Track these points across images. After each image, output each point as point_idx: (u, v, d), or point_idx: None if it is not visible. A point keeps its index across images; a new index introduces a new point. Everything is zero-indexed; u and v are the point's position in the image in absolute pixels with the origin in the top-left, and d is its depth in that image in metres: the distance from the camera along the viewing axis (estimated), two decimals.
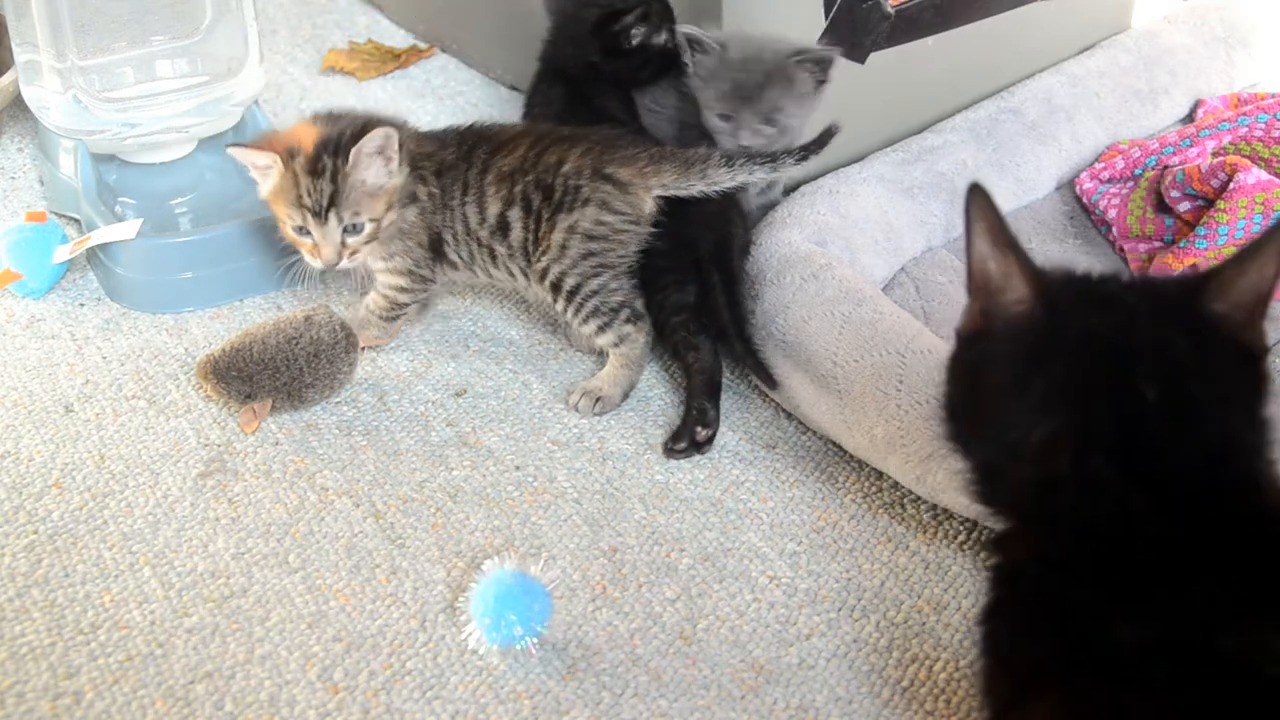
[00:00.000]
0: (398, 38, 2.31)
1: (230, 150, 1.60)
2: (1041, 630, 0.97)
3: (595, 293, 1.61)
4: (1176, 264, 1.73)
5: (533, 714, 1.32)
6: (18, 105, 1.97)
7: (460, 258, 1.67)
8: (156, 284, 1.77)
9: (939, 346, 1.53)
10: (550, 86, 1.82)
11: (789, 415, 1.63)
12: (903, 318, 1.58)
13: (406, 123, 1.67)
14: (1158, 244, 1.82)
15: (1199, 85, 2.06)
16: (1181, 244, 1.76)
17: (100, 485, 1.54)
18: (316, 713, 1.32)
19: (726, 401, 1.63)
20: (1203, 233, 1.73)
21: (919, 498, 1.51)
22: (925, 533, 1.50)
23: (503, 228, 1.63)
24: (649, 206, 1.62)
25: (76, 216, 1.87)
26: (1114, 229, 1.86)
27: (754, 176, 1.62)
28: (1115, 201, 1.87)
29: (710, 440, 1.59)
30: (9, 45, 1.90)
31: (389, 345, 1.73)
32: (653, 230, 1.62)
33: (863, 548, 1.49)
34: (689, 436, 1.58)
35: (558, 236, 1.61)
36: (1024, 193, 1.91)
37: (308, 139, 1.57)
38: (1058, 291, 0.99)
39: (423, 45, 2.29)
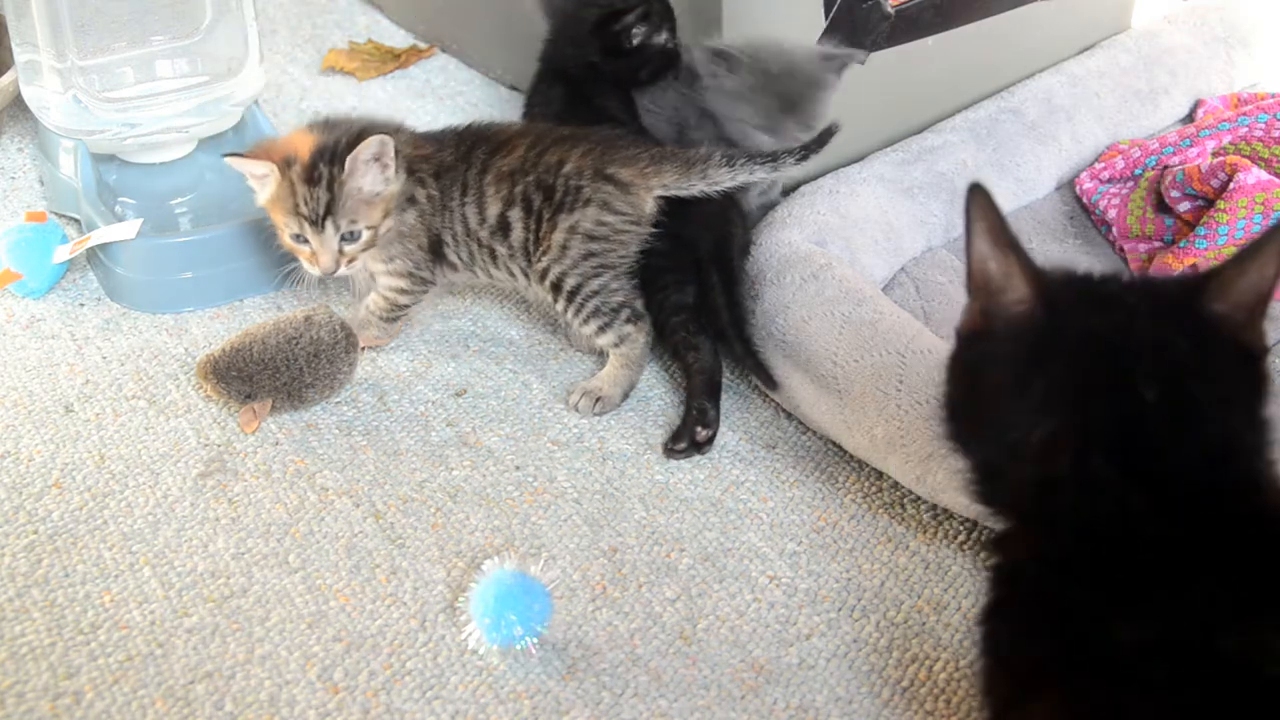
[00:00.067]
0: (398, 38, 2.31)
1: (227, 160, 1.60)
2: (1041, 630, 0.97)
3: (596, 293, 1.61)
4: (1176, 264, 1.74)
5: (533, 714, 1.32)
6: (18, 105, 1.97)
7: (460, 259, 1.67)
8: (156, 284, 1.77)
9: (939, 346, 1.53)
10: (550, 86, 1.82)
11: (789, 415, 1.63)
12: (903, 318, 1.58)
13: (403, 125, 1.67)
14: (1158, 244, 1.82)
15: (1199, 85, 2.06)
16: (1181, 244, 1.76)
17: (100, 485, 1.54)
18: (316, 713, 1.32)
19: (726, 401, 1.63)
20: (1203, 233, 1.73)
21: (919, 498, 1.51)
22: (925, 533, 1.50)
23: (503, 228, 1.63)
24: (650, 207, 1.62)
25: (76, 216, 1.87)
26: (1114, 229, 1.86)
27: (755, 176, 1.62)
28: (1115, 201, 1.87)
29: (710, 440, 1.59)
30: (9, 45, 1.90)
31: (389, 345, 1.73)
32: (652, 230, 1.62)
33: (863, 548, 1.49)
34: (689, 437, 1.58)
35: (558, 237, 1.61)
36: (1024, 193, 1.91)
37: (304, 147, 1.57)
38: (1058, 291, 0.99)
39: (423, 45, 2.29)
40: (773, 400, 1.64)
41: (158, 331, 1.74)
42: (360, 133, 1.57)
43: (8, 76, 1.95)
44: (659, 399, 1.67)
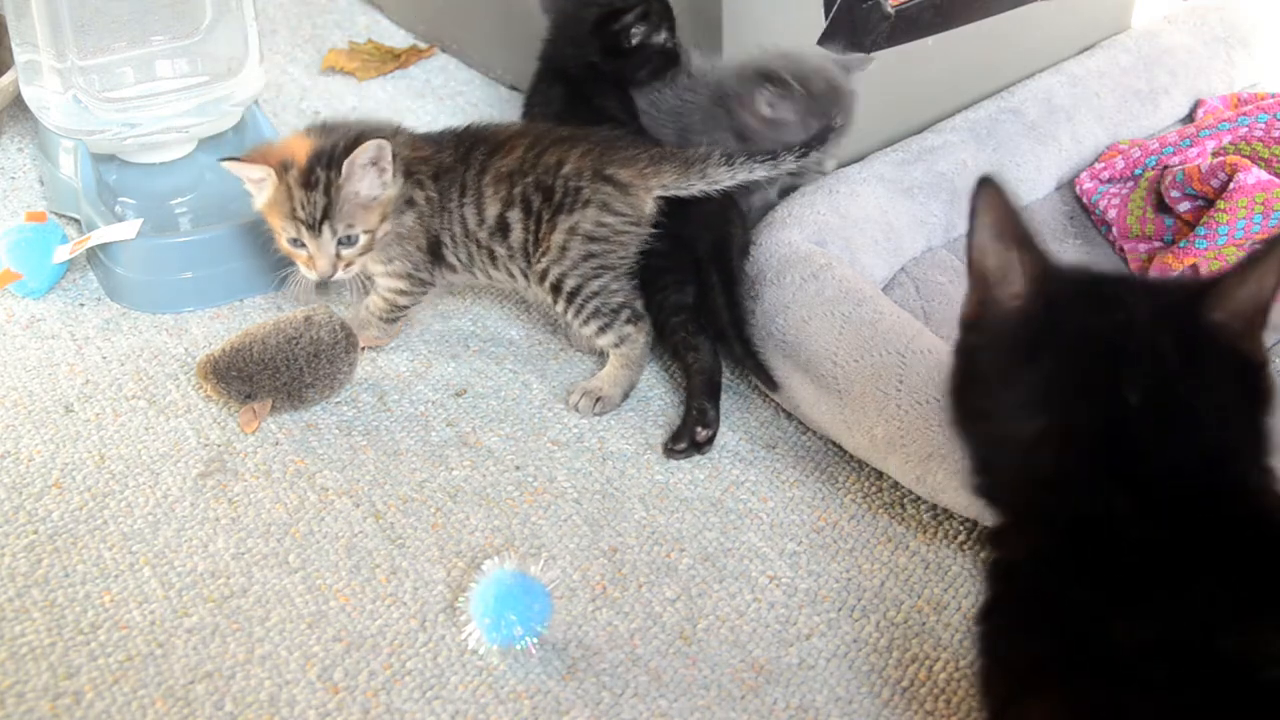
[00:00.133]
0: (398, 38, 2.31)
1: (225, 164, 1.60)
2: (1039, 629, 0.97)
3: (596, 294, 1.61)
4: (1176, 264, 1.73)
5: (533, 714, 1.32)
6: (18, 105, 1.97)
7: (459, 260, 1.67)
8: (156, 284, 1.77)
9: (939, 346, 1.53)
10: (550, 86, 1.82)
11: (789, 415, 1.63)
12: (903, 318, 1.58)
13: (401, 127, 1.67)
14: (1158, 244, 1.82)
15: (1199, 85, 2.06)
16: (1181, 244, 1.76)
17: (100, 485, 1.54)
18: (316, 713, 1.32)
19: (726, 401, 1.63)
20: (1203, 233, 1.73)
21: (919, 498, 1.51)
22: (925, 533, 1.50)
23: (502, 229, 1.63)
24: (649, 207, 1.62)
25: (76, 216, 1.87)
26: (1114, 229, 1.86)
27: (755, 175, 1.62)
28: (1115, 201, 1.87)
29: (710, 441, 1.59)
30: (9, 45, 1.90)
31: (389, 345, 1.73)
32: (652, 231, 1.62)
33: (863, 548, 1.49)
34: (689, 437, 1.58)
35: (558, 238, 1.61)
36: (1024, 193, 1.91)
37: (301, 151, 1.57)
38: (1055, 288, 0.99)
39: (423, 45, 2.29)
40: (773, 400, 1.64)
41: (158, 331, 1.74)
42: (358, 137, 1.57)
43: (8, 76, 1.95)
44: (659, 399, 1.67)
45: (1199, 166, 1.78)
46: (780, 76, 1.68)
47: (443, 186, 1.64)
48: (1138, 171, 1.89)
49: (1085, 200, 1.91)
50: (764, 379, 1.61)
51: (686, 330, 1.63)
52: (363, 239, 1.59)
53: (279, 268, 1.68)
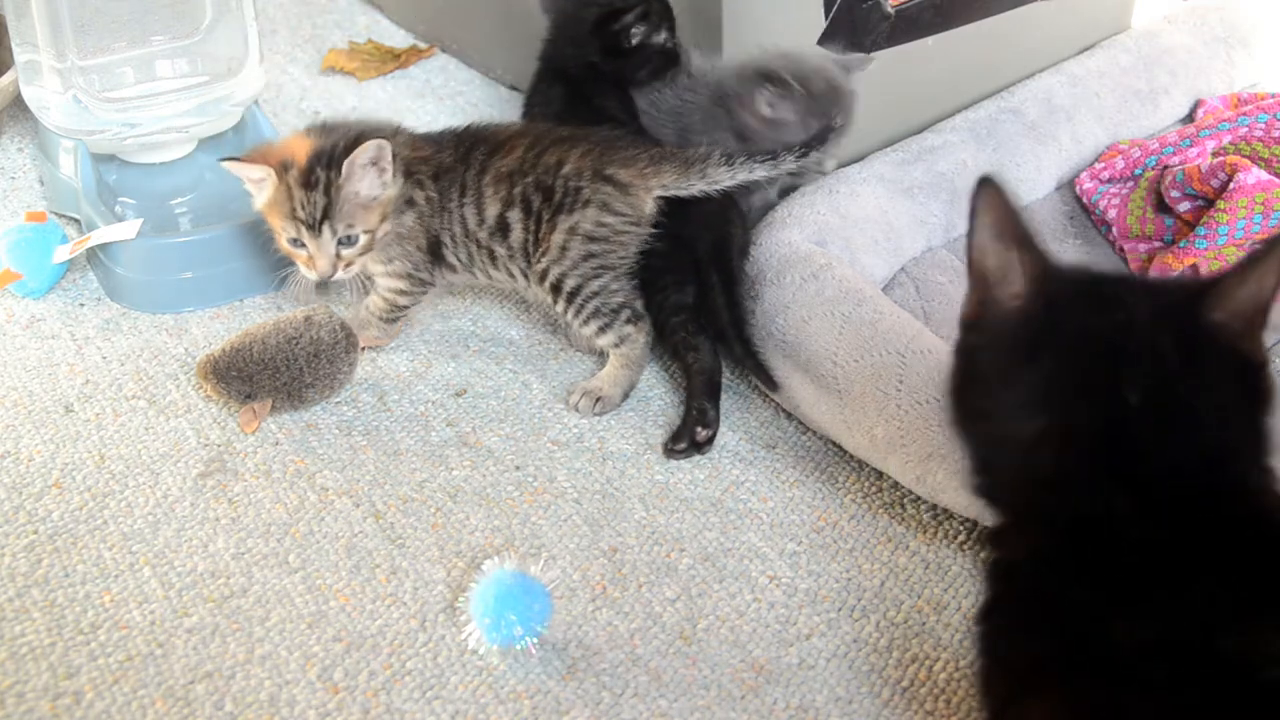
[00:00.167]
0: (398, 38, 2.31)
1: (224, 164, 1.60)
2: (1039, 629, 0.97)
3: (596, 294, 1.61)
4: (1176, 264, 1.73)
5: (533, 714, 1.32)
6: (18, 105, 1.97)
7: (459, 260, 1.67)
8: (156, 284, 1.77)
9: (939, 346, 1.53)
10: (550, 86, 1.82)
11: (789, 415, 1.63)
12: (903, 318, 1.58)
13: (401, 127, 1.67)
14: (1158, 244, 1.82)
15: (1199, 85, 2.06)
16: (1181, 244, 1.76)
17: (100, 485, 1.54)
18: (316, 713, 1.32)
19: (726, 401, 1.63)
20: (1203, 233, 1.73)
21: (919, 498, 1.51)
22: (925, 533, 1.50)
23: (502, 229, 1.63)
24: (649, 207, 1.62)
25: (76, 216, 1.87)
26: (1114, 229, 1.86)
27: (755, 175, 1.62)
28: (1115, 201, 1.87)
29: (710, 441, 1.59)
30: (9, 45, 1.90)
31: (389, 345, 1.73)
32: (652, 231, 1.62)
33: (863, 548, 1.49)
34: (689, 437, 1.58)
35: (558, 238, 1.61)
36: (1024, 193, 1.91)
37: (301, 151, 1.57)
38: (1055, 289, 0.99)
39: (423, 45, 2.29)
40: (773, 400, 1.64)
41: (158, 331, 1.74)
42: (357, 137, 1.57)
43: (8, 76, 1.95)
44: (659, 399, 1.67)
45: (1199, 166, 1.78)
46: (780, 76, 1.68)
47: (443, 186, 1.64)
48: (1138, 171, 1.89)
49: (1085, 200, 1.91)
50: (764, 379, 1.61)
51: (686, 330, 1.63)
52: (363, 239, 1.59)
53: (279, 268, 1.68)
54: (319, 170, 1.56)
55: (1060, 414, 0.96)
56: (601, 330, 1.62)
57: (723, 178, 1.60)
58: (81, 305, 1.78)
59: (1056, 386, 0.96)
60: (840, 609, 1.42)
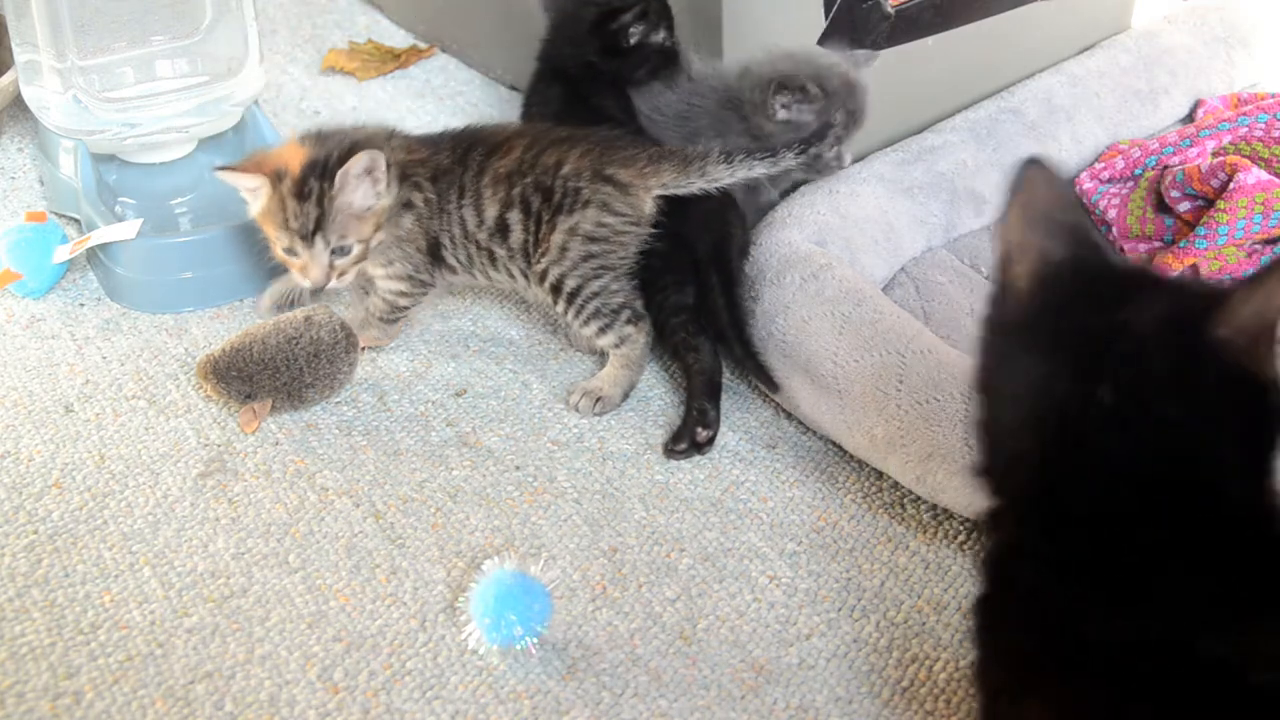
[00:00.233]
0: (398, 38, 2.31)
1: (219, 173, 1.60)
2: (1031, 624, 0.98)
3: (596, 294, 1.61)
4: (1176, 264, 1.73)
5: (533, 714, 1.32)
6: (18, 105, 1.97)
7: (459, 261, 1.67)
8: (156, 284, 1.77)
9: (939, 346, 1.53)
10: (548, 86, 1.82)
11: (789, 415, 1.63)
12: (903, 318, 1.58)
13: (397, 131, 1.66)
14: (1158, 244, 1.82)
15: (1199, 85, 2.06)
16: (1181, 244, 1.76)
17: (100, 485, 1.54)
18: (316, 713, 1.32)
19: (726, 402, 1.63)
20: (1203, 233, 1.73)
21: (919, 498, 1.51)
22: (925, 533, 1.50)
23: (501, 230, 1.63)
24: (649, 207, 1.61)
25: (76, 216, 1.87)
26: (1114, 229, 1.86)
27: (754, 172, 1.62)
28: (1115, 201, 1.87)
29: (710, 441, 1.59)
30: (9, 45, 1.90)
31: (389, 345, 1.73)
32: (652, 231, 1.62)
33: (863, 548, 1.49)
34: (689, 437, 1.58)
35: (558, 238, 1.61)
36: None
37: (295, 161, 1.57)
38: (1064, 282, 0.99)
39: (423, 45, 2.29)
40: (773, 400, 1.64)
41: (158, 331, 1.74)
42: (352, 147, 1.56)
43: (8, 76, 1.95)
44: (659, 399, 1.67)
45: (1199, 166, 1.78)
46: (799, 83, 1.68)
47: (441, 188, 1.64)
48: (1138, 171, 1.89)
49: (1085, 200, 1.91)
50: (764, 379, 1.61)
51: (686, 331, 1.63)
52: (356, 249, 1.59)
53: (278, 270, 1.68)
54: (312, 181, 1.55)
55: (1042, 407, 0.96)
56: (602, 331, 1.62)
57: (722, 176, 1.60)
58: (81, 305, 1.78)
59: (1042, 380, 0.97)
60: (840, 609, 1.42)
